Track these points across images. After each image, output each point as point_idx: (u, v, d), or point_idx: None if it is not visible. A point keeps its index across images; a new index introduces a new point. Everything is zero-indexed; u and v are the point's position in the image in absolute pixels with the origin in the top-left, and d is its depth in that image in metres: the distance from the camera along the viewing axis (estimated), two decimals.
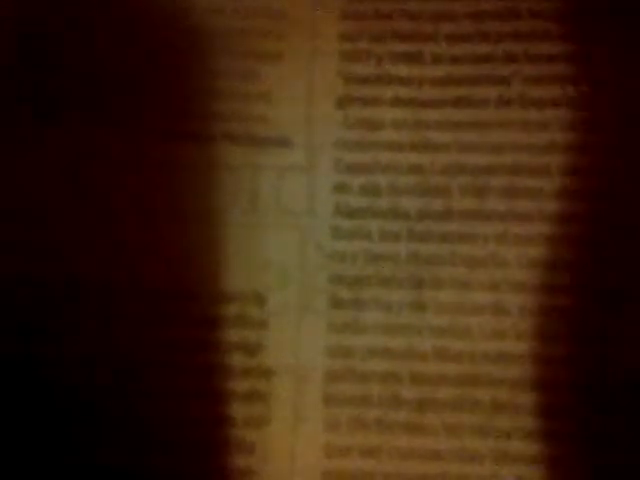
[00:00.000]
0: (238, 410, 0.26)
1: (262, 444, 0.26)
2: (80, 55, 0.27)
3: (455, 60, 0.26)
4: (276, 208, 0.26)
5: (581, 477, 0.25)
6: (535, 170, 0.26)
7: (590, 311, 0.25)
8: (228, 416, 0.26)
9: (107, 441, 0.26)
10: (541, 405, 0.25)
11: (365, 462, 0.25)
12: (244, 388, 0.26)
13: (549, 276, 0.25)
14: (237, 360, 0.26)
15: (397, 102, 0.26)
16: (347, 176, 0.26)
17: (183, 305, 0.26)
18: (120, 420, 0.26)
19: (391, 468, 0.25)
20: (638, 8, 0.26)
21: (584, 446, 0.25)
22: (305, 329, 0.26)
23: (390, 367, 0.25)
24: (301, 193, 0.26)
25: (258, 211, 0.26)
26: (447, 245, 0.26)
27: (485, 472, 0.25)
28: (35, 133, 0.27)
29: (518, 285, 0.25)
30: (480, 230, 0.26)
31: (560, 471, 0.25)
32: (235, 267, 0.26)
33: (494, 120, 0.26)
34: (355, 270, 0.26)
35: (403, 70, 0.26)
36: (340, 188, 0.26)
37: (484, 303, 0.25)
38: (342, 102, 0.26)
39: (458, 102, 0.26)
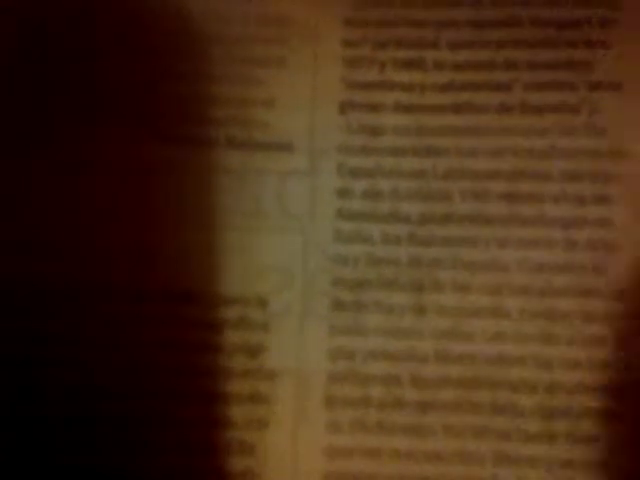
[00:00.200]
0: (239, 412, 0.26)
1: (263, 446, 0.26)
2: (82, 58, 0.27)
3: (457, 66, 0.26)
4: (279, 212, 0.26)
5: (582, 478, 0.25)
6: (536, 175, 0.26)
7: (590, 313, 0.25)
8: (230, 418, 0.26)
9: (107, 442, 0.26)
10: (541, 407, 0.25)
11: (366, 464, 0.25)
12: (246, 390, 0.26)
13: (549, 280, 0.25)
14: (239, 362, 0.26)
15: (399, 108, 0.26)
16: (349, 180, 0.26)
17: (185, 308, 0.26)
18: (120, 421, 0.26)
19: (392, 470, 0.25)
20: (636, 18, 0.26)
21: (584, 448, 0.25)
22: (307, 332, 0.26)
23: (391, 369, 0.26)
24: (303, 197, 0.26)
25: (261, 215, 0.26)
26: (448, 249, 0.26)
27: (485, 474, 0.25)
28: (35, 136, 0.27)
29: (518, 289, 0.25)
30: (481, 234, 0.26)
31: (560, 472, 0.25)
32: (237, 270, 0.26)
33: (495, 126, 0.26)
34: (357, 273, 0.26)
35: (405, 76, 0.27)
36: (342, 192, 0.26)
37: (485, 306, 0.25)
38: (345, 107, 0.27)
39: (459, 108, 0.26)
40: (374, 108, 0.27)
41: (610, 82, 0.26)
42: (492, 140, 0.26)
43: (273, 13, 0.27)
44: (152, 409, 0.26)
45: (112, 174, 0.26)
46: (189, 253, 0.26)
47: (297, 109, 0.27)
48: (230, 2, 0.27)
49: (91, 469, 0.26)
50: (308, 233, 0.26)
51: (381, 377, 0.26)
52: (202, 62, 0.27)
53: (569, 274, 0.25)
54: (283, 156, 0.26)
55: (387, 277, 0.26)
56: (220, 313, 0.26)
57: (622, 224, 0.25)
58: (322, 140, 0.26)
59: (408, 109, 0.26)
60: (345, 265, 0.26)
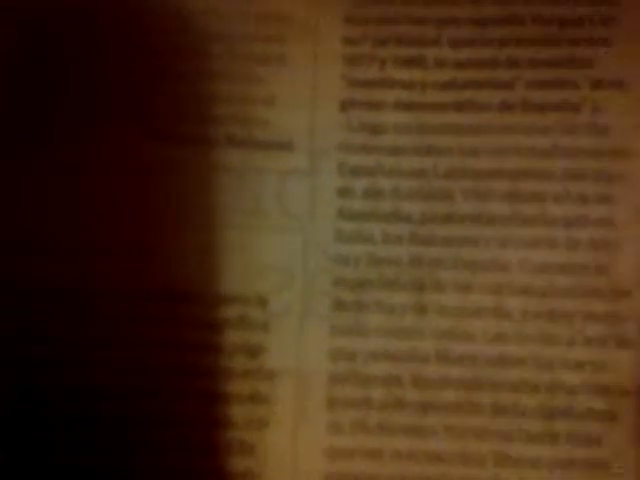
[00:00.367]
0: (240, 412, 0.26)
1: (263, 446, 0.26)
2: (82, 58, 0.27)
3: (458, 64, 0.26)
4: (279, 211, 0.26)
5: (583, 479, 0.25)
6: (538, 174, 0.26)
7: (591, 313, 0.25)
8: (230, 418, 0.26)
9: (107, 442, 0.26)
10: (543, 408, 0.25)
11: (367, 465, 0.25)
12: (246, 390, 0.26)
13: (551, 280, 0.25)
14: (239, 362, 0.26)
15: (400, 106, 0.26)
16: (350, 179, 0.26)
17: (185, 307, 0.26)
18: (120, 421, 0.26)
19: (393, 471, 0.25)
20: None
21: (586, 448, 0.25)
22: (307, 332, 0.26)
23: (392, 370, 0.25)
24: (304, 196, 0.26)
25: (261, 214, 0.26)
26: (449, 249, 0.26)
27: (486, 474, 0.25)
28: (35, 136, 0.27)
29: (520, 289, 0.25)
30: (482, 234, 0.26)
31: (562, 473, 0.25)
32: (238, 270, 0.26)
33: (497, 124, 0.26)
34: (358, 273, 0.26)
35: (406, 74, 0.26)
36: (343, 191, 0.26)
37: (486, 306, 0.25)
38: (345, 106, 0.27)
39: (461, 106, 0.26)
40: (375, 106, 0.26)
41: (612, 80, 0.26)
42: (494, 139, 0.26)
43: (273, 11, 0.27)
44: (152, 409, 0.26)
45: (112, 174, 0.26)
46: (189, 252, 0.26)
47: (297, 107, 0.27)
48: (230, 0, 0.27)
49: (91, 469, 0.26)
50: (308, 233, 0.26)
51: (382, 377, 0.26)
52: (202, 60, 0.27)
53: (571, 274, 0.25)
54: (283, 155, 0.26)
55: (388, 277, 0.26)
56: (220, 313, 0.26)
57: (624, 223, 0.25)
58: (322, 139, 0.26)
59: (409, 107, 0.26)
60: (346, 265, 0.26)
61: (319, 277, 0.26)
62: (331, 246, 0.26)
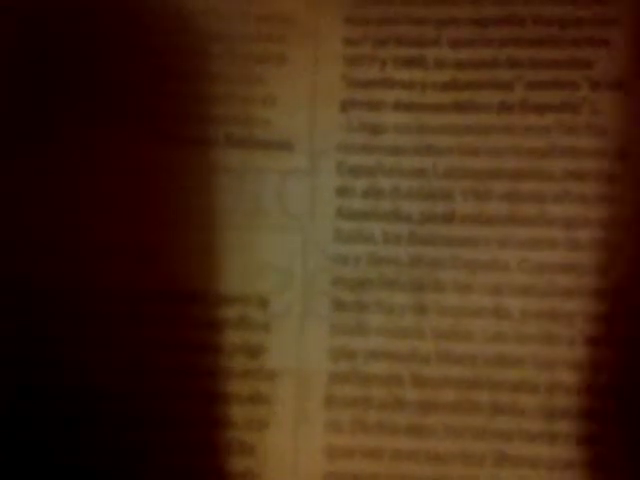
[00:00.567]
0: (240, 412, 0.26)
1: (264, 446, 0.26)
2: (82, 58, 0.27)
3: (458, 65, 0.26)
4: (279, 211, 0.26)
5: (583, 479, 0.25)
6: (537, 174, 0.26)
7: (592, 314, 0.25)
8: (230, 418, 0.26)
9: (107, 442, 0.26)
10: (542, 408, 0.25)
11: (367, 464, 0.25)
12: (246, 390, 0.26)
13: (551, 280, 0.25)
14: (239, 362, 0.26)
15: (400, 106, 0.26)
16: (350, 179, 0.26)
17: (185, 308, 0.26)
18: (120, 421, 0.26)
19: (393, 470, 0.25)
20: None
21: (585, 448, 0.25)
22: (307, 332, 0.26)
23: (392, 370, 0.25)
24: (304, 196, 0.26)
25: (260, 214, 0.26)
26: (449, 248, 0.26)
27: (486, 474, 0.25)
28: (35, 136, 0.27)
29: (520, 289, 0.25)
30: (482, 234, 0.26)
31: (561, 473, 0.25)
32: (237, 270, 0.26)
33: (496, 125, 0.26)
34: (357, 273, 0.26)
35: (406, 74, 0.26)
36: (343, 191, 0.26)
37: (486, 306, 0.25)
38: (345, 106, 0.27)
39: (461, 107, 0.26)
40: (375, 106, 0.26)
41: (611, 81, 0.26)
42: (493, 139, 0.26)
43: (273, 11, 0.27)
44: (152, 409, 0.26)
45: (111, 174, 0.26)
46: (189, 253, 0.26)
47: (297, 107, 0.27)
48: (230, 0, 0.27)
49: (91, 469, 0.26)
50: (308, 232, 0.26)
51: (382, 377, 0.26)
52: (202, 60, 0.27)
53: (571, 274, 0.25)
54: (283, 155, 0.26)
55: (388, 277, 0.26)
56: (220, 313, 0.26)
57: (624, 224, 0.25)
58: (322, 139, 0.26)
59: (409, 107, 0.26)
60: (345, 265, 0.26)
61: (319, 277, 0.26)
62: (331, 246, 0.26)
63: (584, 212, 0.25)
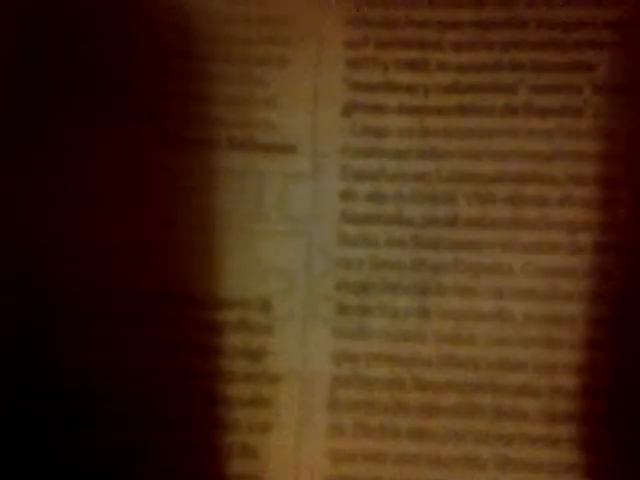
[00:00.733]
0: (243, 415, 0.26)
1: (266, 449, 0.26)
2: (82, 58, 0.27)
3: (461, 68, 0.26)
4: (282, 214, 0.26)
5: None
6: (540, 178, 0.26)
7: (594, 317, 0.25)
8: (233, 421, 0.26)
9: (107, 444, 0.26)
10: (544, 412, 0.25)
11: (369, 468, 0.25)
12: (248, 393, 0.26)
13: (553, 284, 0.25)
14: (242, 366, 0.26)
15: (403, 109, 0.26)
16: (353, 183, 0.26)
17: (188, 310, 0.26)
18: (121, 423, 0.26)
19: (395, 474, 0.25)
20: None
21: (587, 452, 0.25)
22: (310, 335, 0.26)
23: (395, 373, 0.25)
24: (307, 199, 0.26)
25: (263, 217, 0.26)
26: (452, 252, 0.26)
27: (488, 478, 0.25)
28: (35, 136, 0.27)
29: (522, 292, 0.25)
30: (485, 237, 0.26)
31: (563, 477, 0.25)
32: (240, 273, 0.26)
33: (500, 128, 0.26)
34: (360, 276, 0.26)
35: (409, 78, 0.26)
36: (346, 195, 0.26)
37: (488, 310, 0.25)
38: (348, 109, 0.26)
39: (464, 110, 0.26)
40: (377, 110, 0.26)
41: (614, 84, 0.26)
42: (496, 142, 0.26)
43: (275, 13, 0.27)
44: (154, 411, 0.26)
45: (112, 175, 0.26)
46: (191, 255, 0.26)
47: (299, 110, 0.27)
48: (232, 2, 0.27)
49: (91, 470, 0.26)
50: (311, 236, 0.26)
51: (384, 381, 0.26)
52: (204, 63, 0.27)
53: (574, 278, 0.25)
54: (286, 158, 0.26)
55: (391, 280, 0.26)
56: (223, 316, 0.26)
57: (627, 228, 0.25)
58: (325, 142, 0.26)
59: (411, 111, 0.26)
60: (349, 268, 0.26)
61: (322, 280, 0.26)
62: (334, 249, 0.26)
63: (586, 216, 0.25)
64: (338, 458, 0.25)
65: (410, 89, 0.26)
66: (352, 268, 0.26)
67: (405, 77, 0.26)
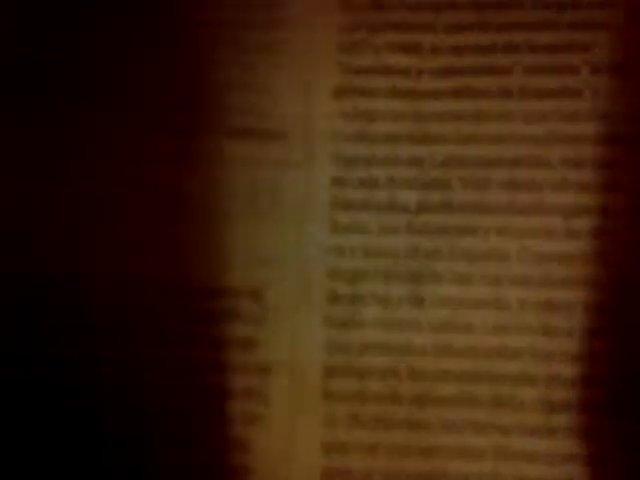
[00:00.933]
0: (235, 406, 0.26)
1: (259, 441, 0.25)
2: (82, 46, 0.27)
3: (455, 50, 0.26)
4: (273, 201, 0.26)
5: (582, 473, 0.25)
6: (536, 162, 0.25)
7: (591, 304, 0.25)
8: (224, 413, 0.25)
9: (104, 437, 0.26)
10: (542, 401, 0.25)
11: (363, 459, 0.25)
12: (241, 384, 0.26)
13: (550, 270, 0.25)
14: (234, 356, 0.26)
15: (395, 93, 0.26)
16: (345, 169, 0.26)
17: (179, 300, 0.26)
18: (115, 416, 0.26)
19: (390, 465, 0.25)
20: None
21: (584, 442, 0.25)
22: (302, 324, 0.26)
23: (388, 363, 0.25)
24: (298, 186, 0.26)
25: (255, 204, 0.26)
26: (447, 239, 0.25)
27: (485, 468, 0.25)
28: (35, 126, 0.26)
29: (518, 279, 0.25)
30: (480, 223, 0.25)
31: (560, 467, 0.25)
32: (232, 261, 0.26)
33: (495, 111, 0.26)
34: (353, 264, 0.26)
35: (402, 61, 0.26)
36: (338, 181, 0.26)
37: (484, 298, 0.25)
38: (340, 93, 0.26)
39: (458, 93, 0.26)
40: (369, 93, 0.26)
41: (612, 65, 0.25)
42: (492, 126, 0.26)
43: None
44: (147, 403, 0.26)
45: (108, 165, 0.26)
46: (183, 244, 0.26)
47: (291, 95, 0.26)
48: None
49: (89, 465, 0.26)
50: (303, 223, 0.26)
51: (378, 370, 0.25)
52: (194, 49, 0.27)
53: (569, 263, 0.25)
54: (278, 144, 0.26)
55: (384, 268, 0.26)
56: (214, 305, 0.26)
57: (623, 212, 0.25)
58: (317, 127, 0.26)
59: (404, 94, 0.26)
60: (341, 256, 0.26)
61: (314, 268, 0.26)
62: (326, 237, 0.26)
63: (583, 200, 0.25)
64: (332, 449, 0.25)
65: (403, 72, 0.26)
66: (344, 256, 0.26)
67: (398, 60, 0.26)
